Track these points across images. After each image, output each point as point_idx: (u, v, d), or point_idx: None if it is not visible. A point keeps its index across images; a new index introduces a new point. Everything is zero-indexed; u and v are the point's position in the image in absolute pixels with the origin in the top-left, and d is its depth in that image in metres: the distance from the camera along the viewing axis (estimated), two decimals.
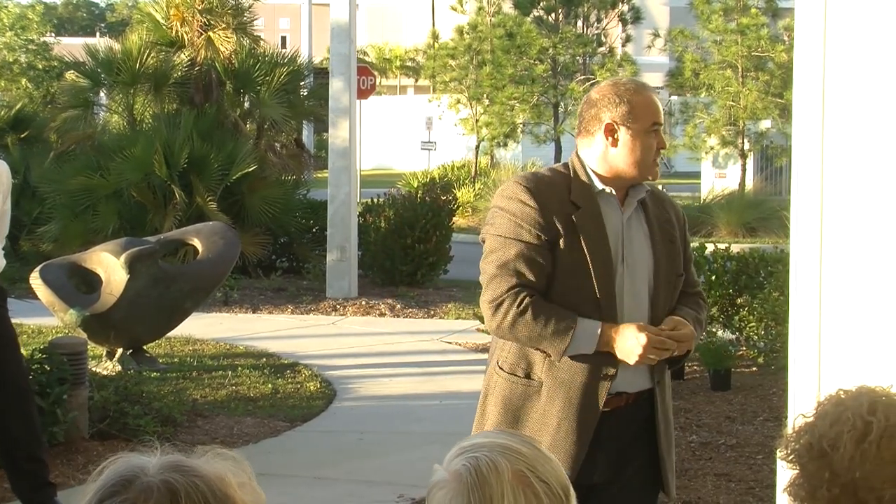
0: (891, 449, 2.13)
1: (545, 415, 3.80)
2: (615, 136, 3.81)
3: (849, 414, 2.17)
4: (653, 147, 3.81)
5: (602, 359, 3.76)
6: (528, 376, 3.83)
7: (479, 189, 26.00)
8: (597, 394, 3.78)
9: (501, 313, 3.73)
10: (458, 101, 30.10)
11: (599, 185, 3.81)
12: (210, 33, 16.93)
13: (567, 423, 3.78)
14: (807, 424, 2.23)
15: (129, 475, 1.79)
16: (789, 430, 2.27)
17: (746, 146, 25.84)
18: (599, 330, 3.73)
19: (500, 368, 3.88)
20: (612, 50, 30.48)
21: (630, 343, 3.70)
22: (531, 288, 3.74)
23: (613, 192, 3.81)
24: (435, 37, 34.60)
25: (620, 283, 3.79)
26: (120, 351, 10.08)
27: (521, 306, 3.71)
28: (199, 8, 16.99)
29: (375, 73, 30.82)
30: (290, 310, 13.91)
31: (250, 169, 15.65)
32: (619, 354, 3.73)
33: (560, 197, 3.78)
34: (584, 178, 3.83)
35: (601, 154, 3.83)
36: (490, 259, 3.79)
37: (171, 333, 10.84)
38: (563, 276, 3.75)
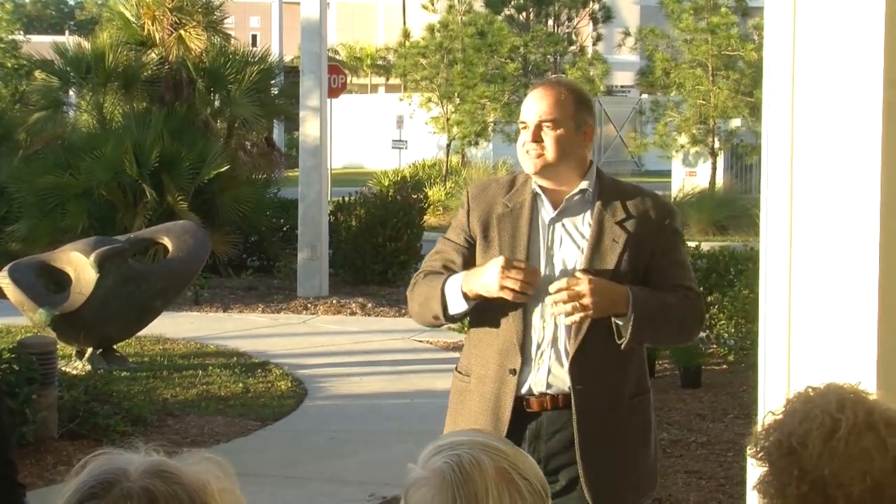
0: (859, 446, 2.14)
1: (471, 410, 3.87)
2: None
3: (817, 411, 2.18)
4: (522, 143, 3.87)
5: (505, 354, 3.79)
6: (467, 373, 3.93)
7: (450, 188, 25.99)
8: (505, 389, 3.79)
9: (409, 292, 3.99)
10: (430, 100, 30.08)
11: (535, 188, 3.88)
12: (181, 31, 16.86)
13: (483, 418, 3.81)
14: (776, 422, 2.24)
15: (110, 478, 1.77)
16: (758, 427, 2.27)
17: (717, 144, 25.91)
18: (462, 274, 3.80)
19: (455, 369, 4.02)
20: (582, 49, 30.52)
21: (489, 270, 3.72)
22: (431, 269, 3.92)
23: (540, 191, 3.86)
24: (406, 35, 34.58)
25: (539, 280, 3.78)
26: (90, 350, 10.03)
27: (416, 280, 3.95)
28: (170, 6, 16.92)
29: (346, 71, 30.77)
30: (260, 309, 13.88)
31: (223, 169, 15.61)
32: (484, 290, 3.72)
33: (494, 200, 3.90)
34: (529, 182, 3.90)
35: None
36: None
37: (142, 333, 10.80)
38: None
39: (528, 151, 3.84)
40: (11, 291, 9.72)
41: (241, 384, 9.74)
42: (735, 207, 22.25)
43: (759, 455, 2.24)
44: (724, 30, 25.07)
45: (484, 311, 3.85)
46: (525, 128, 3.87)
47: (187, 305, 13.60)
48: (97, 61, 16.50)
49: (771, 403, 3.00)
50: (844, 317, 3.04)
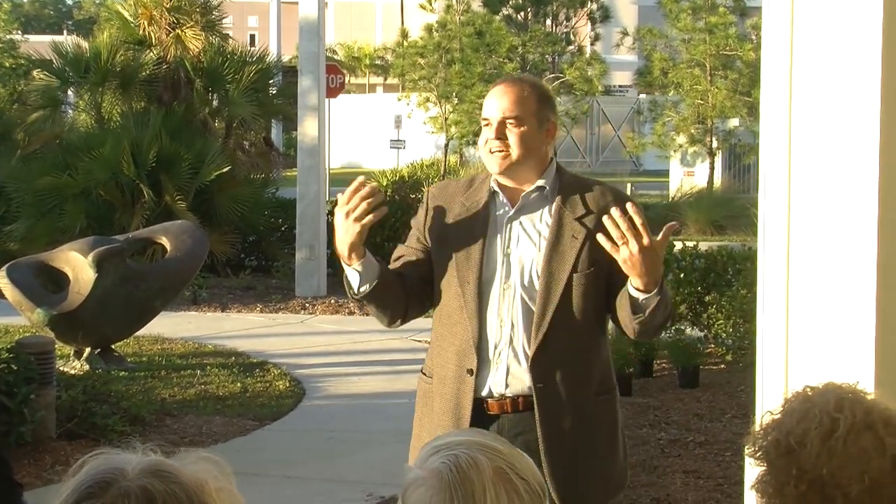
0: (857, 445, 2.14)
1: (434, 412, 3.85)
2: None
3: (816, 411, 2.18)
4: (485, 140, 3.83)
5: (462, 354, 3.77)
6: (430, 374, 3.91)
7: None
8: (464, 389, 3.76)
9: None
10: (428, 100, 30.06)
11: (493, 187, 3.85)
12: (178, 31, 16.87)
13: (445, 419, 3.79)
14: (774, 421, 2.24)
15: (108, 477, 1.77)
16: (757, 426, 2.27)
17: (715, 144, 25.93)
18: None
19: (421, 371, 4.01)
20: (580, 49, 30.52)
21: (335, 220, 3.74)
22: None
23: (497, 189, 3.83)
24: (404, 35, 34.56)
25: (494, 277, 3.77)
26: (88, 350, 10.03)
27: None
28: (168, 6, 16.93)
29: (344, 71, 30.77)
30: (259, 308, 13.88)
31: (224, 170, 15.60)
32: (341, 241, 3.73)
33: (452, 199, 3.89)
34: (487, 181, 3.88)
35: None
36: None
37: (140, 332, 10.79)
38: (439, 272, 3.85)
39: (491, 150, 3.80)
40: (9, 291, 9.72)
41: (239, 384, 9.74)
42: (733, 207, 22.25)
43: (758, 454, 2.24)
44: (722, 29, 25.10)
45: (443, 311, 3.84)
46: (488, 125, 3.82)
47: (185, 305, 13.60)
48: (95, 61, 16.52)
49: (769, 403, 3.00)
50: (842, 316, 3.04)
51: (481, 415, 3.74)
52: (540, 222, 3.81)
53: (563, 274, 3.74)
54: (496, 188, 3.84)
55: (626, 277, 3.66)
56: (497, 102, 3.82)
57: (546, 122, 3.85)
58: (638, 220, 3.59)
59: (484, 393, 3.75)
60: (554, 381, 3.73)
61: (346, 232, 3.71)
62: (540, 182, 3.82)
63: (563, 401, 3.73)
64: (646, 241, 3.57)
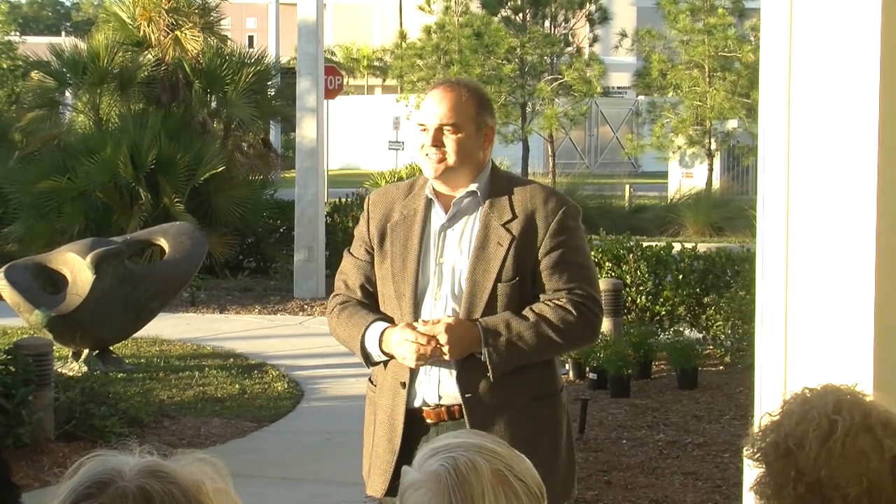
0: (856, 447, 2.14)
1: (377, 420, 3.84)
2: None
3: (814, 413, 2.18)
4: (420, 145, 3.77)
5: (398, 365, 3.74)
6: (374, 383, 3.91)
7: None
8: (397, 401, 3.75)
9: (328, 321, 3.96)
10: None
11: (427, 194, 3.80)
12: (177, 33, 16.87)
13: (382, 429, 3.79)
14: (772, 423, 2.23)
15: (105, 478, 1.76)
16: (755, 428, 2.27)
17: (713, 146, 25.94)
18: (381, 331, 3.74)
19: (369, 379, 3.99)
20: (579, 50, 30.52)
21: (393, 341, 3.69)
22: (348, 296, 3.89)
23: (432, 196, 3.79)
24: (403, 36, 34.58)
25: (427, 288, 3.74)
26: (86, 352, 10.02)
27: (332, 312, 3.91)
28: (166, 7, 16.93)
29: (343, 72, 30.75)
30: (257, 310, 13.87)
31: (218, 170, 15.61)
32: (393, 353, 3.70)
33: (391, 207, 3.85)
34: (425, 187, 3.82)
35: None
36: None
37: (138, 334, 10.79)
38: (379, 283, 3.84)
39: (427, 155, 3.74)
40: (8, 293, 9.71)
41: (237, 385, 9.74)
42: (731, 208, 22.27)
43: (756, 457, 2.23)
44: (721, 31, 25.12)
45: None
46: (424, 131, 3.76)
47: (184, 307, 13.60)
48: (93, 62, 16.51)
49: (767, 404, 3.00)
50: (841, 318, 3.04)
51: (419, 424, 3.74)
52: (470, 229, 3.77)
53: (487, 283, 3.70)
54: (431, 195, 3.80)
55: (542, 289, 3.73)
56: (434, 108, 3.76)
57: (483, 126, 3.79)
58: (420, 332, 3.63)
59: (418, 403, 3.74)
60: (482, 389, 3.69)
61: (399, 350, 3.67)
62: (472, 186, 3.77)
63: (493, 409, 3.69)
64: (441, 337, 3.63)
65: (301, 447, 8.10)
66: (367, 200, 3.94)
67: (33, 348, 7.73)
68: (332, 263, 15.48)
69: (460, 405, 3.70)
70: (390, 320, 3.77)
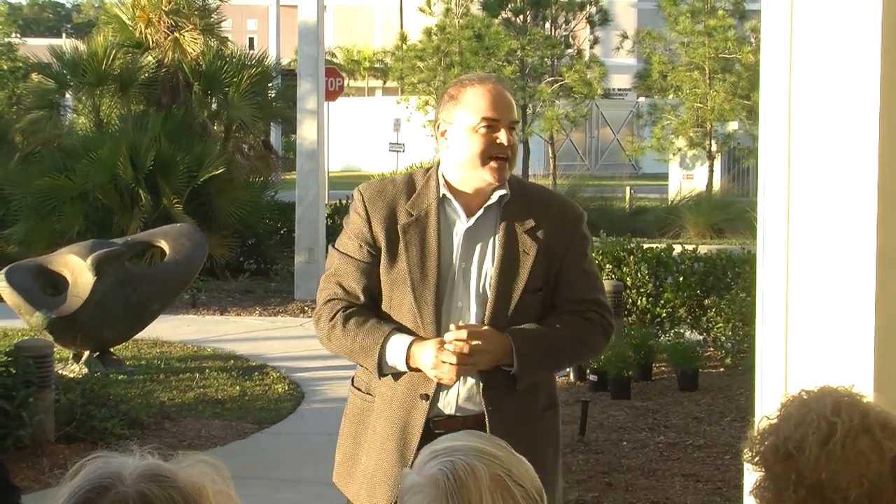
0: (855, 449, 2.14)
1: (374, 432, 3.65)
2: (446, 137, 3.58)
3: (813, 415, 2.18)
4: (480, 146, 3.50)
5: (419, 377, 3.53)
6: (368, 392, 3.70)
7: None
8: (415, 414, 3.56)
9: (319, 326, 3.66)
10: (427, 103, 30.08)
11: (442, 191, 3.57)
12: (177, 34, 16.87)
13: (390, 443, 3.60)
14: (771, 426, 2.23)
15: (105, 482, 1.76)
16: (753, 432, 2.27)
17: (714, 148, 25.95)
18: (409, 345, 3.50)
19: (351, 384, 3.80)
20: (580, 52, 30.56)
21: (425, 358, 3.46)
22: (350, 301, 3.61)
23: (452, 197, 3.55)
24: (403, 38, 34.61)
25: (449, 295, 3.55)
26: (87, 353, 10.02)
27: (333, 320, 3.60)
28: (166, 9, 16.93)
29: (344, 74, 30.77)
30: (258, 312, 13.87)
31: (218, 171, 15.61)
32: (424, 370, 3.49)
33: (394, 206, 3.59)
34: (431, 184, 3.59)
35: (443, 157, 3.61)
36: (325, 272, 3.73)
37: (139, 335, 10.79)
38: (387, 288, 3.59)
39: (497, 156, 3.50)
40: (8, 294, 9.71)
41: (238, 387, 9.74)
42: (732, 210, 22.28)
43: (755, 460, 2.23)
44: (721, 32, 25.13)
45: None
46: (492, 127, 3.49)
47: (184, 308, 13.60)
48: (93, 64, 16.51)
49: (768, 406, 3.00)
50: (841, 319, 3.04)
51: (432, 436, 3.53)
52: (493, 234, 3.56)
53: (515, 292, 3.53)
54: (448, 193, 3.57)
55: (563, 298, 3.60)
56: (504, 103, 3.52)
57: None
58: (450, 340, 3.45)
59: (431, 413, 3.57)
60: (505, 402, 3.56)
61: (435, 365, 3.46)
62: (502, 191, 3.56)
63: (512, 420, 3.54)
64: (469, 346, 3.44)
65: (302, 449, 8.10)
66: (359, 196, 3.68)
67: (34, 350, 7.73)
68: None
69: (478, 416, 3.55)
70: (403, 327, 3.56)
